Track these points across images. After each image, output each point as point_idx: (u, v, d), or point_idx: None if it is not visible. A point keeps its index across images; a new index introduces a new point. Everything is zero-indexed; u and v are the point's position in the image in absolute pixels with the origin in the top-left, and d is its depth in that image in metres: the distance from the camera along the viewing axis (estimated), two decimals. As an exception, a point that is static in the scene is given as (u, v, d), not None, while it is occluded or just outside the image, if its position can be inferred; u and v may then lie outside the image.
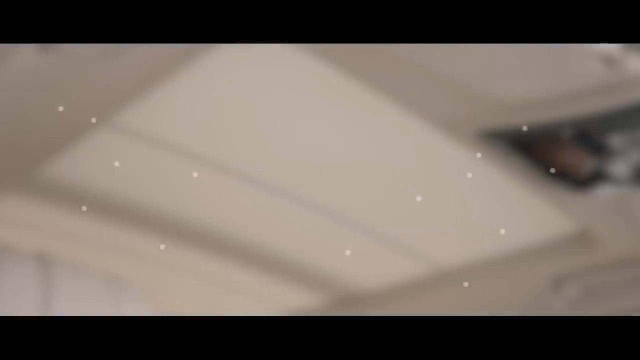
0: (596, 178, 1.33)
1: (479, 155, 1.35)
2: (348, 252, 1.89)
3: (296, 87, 1.34)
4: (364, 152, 1.54)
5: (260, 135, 1.47)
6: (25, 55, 1.02)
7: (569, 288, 1.81)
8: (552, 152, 1.30)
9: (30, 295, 1.17)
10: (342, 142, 1.51)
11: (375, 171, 1.60)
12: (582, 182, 1.37)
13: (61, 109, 1.19)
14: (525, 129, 1.23)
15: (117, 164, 1.47)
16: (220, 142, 1.48)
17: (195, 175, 1.54)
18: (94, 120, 1.23)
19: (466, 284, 1.91)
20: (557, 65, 1.04)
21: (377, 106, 1.32)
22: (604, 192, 1.38)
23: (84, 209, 1.57)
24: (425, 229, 1.83)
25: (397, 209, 1.75)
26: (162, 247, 1.75)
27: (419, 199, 1.70)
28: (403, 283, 2.01)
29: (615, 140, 1.18)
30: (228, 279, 1.96)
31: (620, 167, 1.27)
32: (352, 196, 1.68)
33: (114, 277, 1.32)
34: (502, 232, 1.82)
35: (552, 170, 1.36)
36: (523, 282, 1.87)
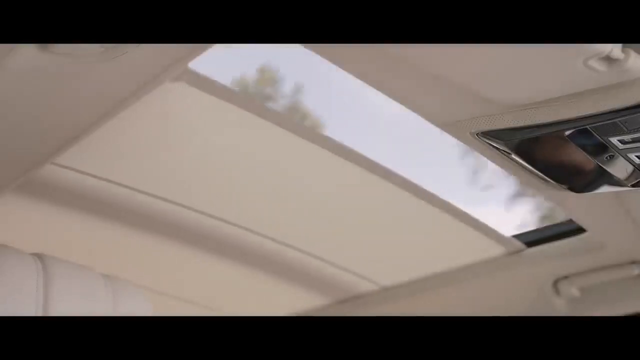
0: (596, 178, 1.33)
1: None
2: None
3: None
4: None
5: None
6: (25, 55, 1.02)
7: (569, 288, 1.81)
8: (552, 152, 1.30)
9: (30, 295, 1.17)
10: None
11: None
12: (582, 182, 1.37)
13: (61, 109, 1.19)
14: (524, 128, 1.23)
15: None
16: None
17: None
18: (94, 120, 1.23)
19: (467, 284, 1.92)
20: (556, 65, 1.04)
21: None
22: (604, 192, 1.38)
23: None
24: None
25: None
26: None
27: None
28: (403, 283, 2.01)
29: (615, 141, 1.18)
30: (228, 279, 1.96)
31: (620, 167, 1.26)
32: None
33: (113, 277, 1.32)
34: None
35: (552, 170, 1.36)
36: (523, 282, 1.87)
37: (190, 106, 1.34)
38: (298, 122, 1.43)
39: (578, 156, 1.26)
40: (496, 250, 1.86)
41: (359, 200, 1.68)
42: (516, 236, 1.86)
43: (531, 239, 1.86)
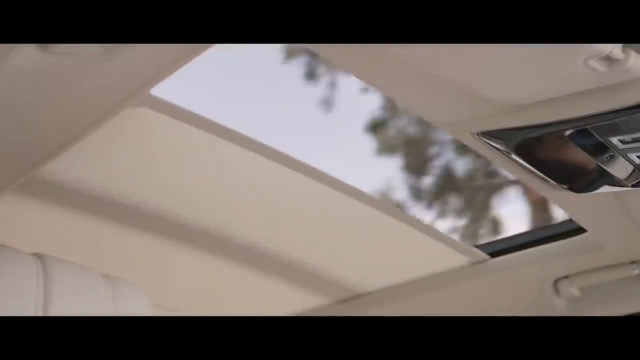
0: (596, 178, 1.33)
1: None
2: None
3: None
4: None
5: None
6: (25, 55, 1.02)
7: (569, 288, 1.81)
8: (552, 152, 1.30)
9: (30, 295, 1.17)
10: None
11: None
12: (582, 182, 1.37)
13: (61, 109, 1.19)
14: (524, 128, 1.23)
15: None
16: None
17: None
18: (94, 120, 1.23)
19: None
20: (556, 65, 1.04)
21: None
22: (604, 192, 1.38)
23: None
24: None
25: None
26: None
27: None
28: (403, 283, 2.01)
29: (615, 140, 1.18)
30: (228, 279, 1.96)
31: (620, 167, 1.27)
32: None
33: (113, 276, 1.32)
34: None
35: (552, 170, 1.36)
36: (523, 282, 1.87)
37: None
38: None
39: (578, 156, 1.26)
40: (461, 260, 1.89)
41: (328, 214, 1.72)
42: (478, 247, 1.91)
43: (494, 250, 1.91)
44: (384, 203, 1.71)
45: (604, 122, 1.15)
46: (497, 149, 1.30)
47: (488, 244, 1.96)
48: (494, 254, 1.89)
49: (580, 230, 1.71)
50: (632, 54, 1.01)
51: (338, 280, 1.98)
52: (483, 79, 1.12)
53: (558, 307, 1.84)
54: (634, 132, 1.15)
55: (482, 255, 1.89)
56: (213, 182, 1.57)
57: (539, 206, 3.35)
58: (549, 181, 1.39)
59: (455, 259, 1.91)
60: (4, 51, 1.01)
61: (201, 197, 1.62)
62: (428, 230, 1.81)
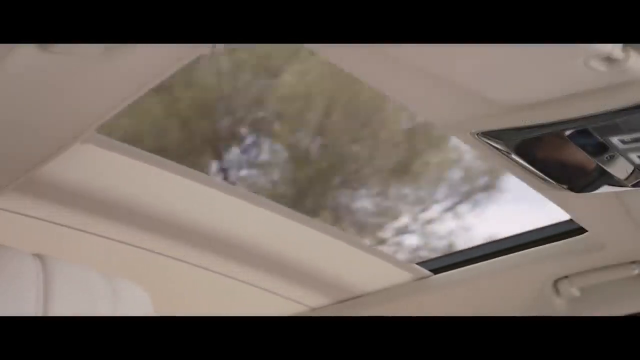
0: (596, 178, 1.33)
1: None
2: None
3: None
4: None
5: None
6: (25, 55, 1.02)
7: (569, 288, 1.81)
8: (552, 152, 1.30)
9: (30, 295, 1.17)
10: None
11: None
12: (582, 182, 1.37)
13: (61, 108, 1.19)
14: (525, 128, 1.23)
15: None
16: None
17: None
18: (93, 120, 1.23)
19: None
20: (556, 65, 1.04)
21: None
22: (604, 192, 1.38)
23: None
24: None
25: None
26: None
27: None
28: (403, 283, 2.01)
29: (615, 140, 1.18)
30: (227, 279, 1.96)
31: (620, 167, 1.27)
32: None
33: (114, 276, 1.32)
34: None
35: (552, 170, 1.36)
36: (523, 282, 1.87)
37: None
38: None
39: (578, 156, 1.26)
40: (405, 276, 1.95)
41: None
42: (420, 264, 1.97)
43: (436, 266, 1.96)
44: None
45: (604, 122, 1.15)
46: (497, 149, 1.30)
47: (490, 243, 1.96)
48: (494, 255, 1.90)
49: (580, 230, 1.71)
50: (632, 54, 1.01)
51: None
52: (483, 79, 1.12)
53: (558, 307, 1.84)
54: (634, 132, 1.15)
55: (482, 254, 1.89)
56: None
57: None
58: (549, 181, 1.39)
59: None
60: (4, 51, 1.01)
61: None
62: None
